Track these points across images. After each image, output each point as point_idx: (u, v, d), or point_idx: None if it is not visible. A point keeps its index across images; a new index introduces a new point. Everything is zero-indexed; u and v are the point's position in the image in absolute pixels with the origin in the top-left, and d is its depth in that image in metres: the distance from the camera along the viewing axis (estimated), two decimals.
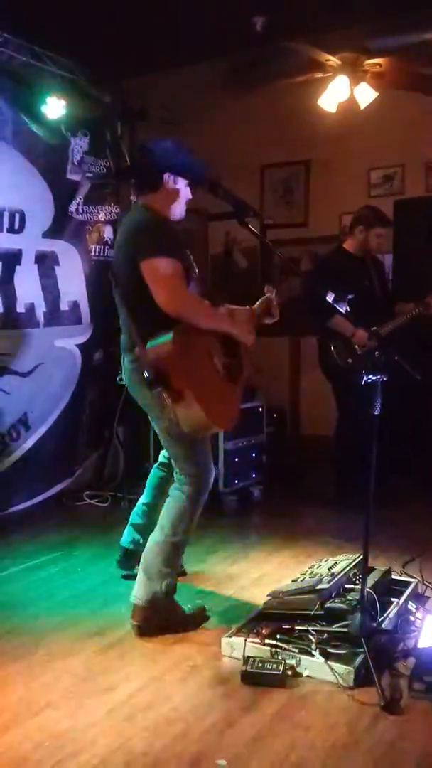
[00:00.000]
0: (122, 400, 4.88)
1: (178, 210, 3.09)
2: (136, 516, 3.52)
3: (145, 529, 3.34)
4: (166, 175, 3.01)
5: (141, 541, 3.39)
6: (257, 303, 3.31)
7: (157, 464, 3.50)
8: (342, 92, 5.07)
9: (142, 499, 3.51)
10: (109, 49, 4.92)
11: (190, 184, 3.09)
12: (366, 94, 5.09)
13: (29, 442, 4.68)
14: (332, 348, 4.74)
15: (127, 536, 3.55)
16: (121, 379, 3.26)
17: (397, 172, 6.07)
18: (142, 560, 3.06)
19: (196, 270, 3.09)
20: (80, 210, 5.00)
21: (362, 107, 5.16)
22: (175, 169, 3.03)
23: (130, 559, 3.52)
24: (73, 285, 4.95)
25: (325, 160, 6.27)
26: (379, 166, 6.10)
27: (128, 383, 3.11)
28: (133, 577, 3.17)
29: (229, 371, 3.03)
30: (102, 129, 5.16)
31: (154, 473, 3.49)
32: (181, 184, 3.06)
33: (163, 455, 3.42)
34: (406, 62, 4.90)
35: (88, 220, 5.05)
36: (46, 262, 4.74)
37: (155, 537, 3.04)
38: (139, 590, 3.01)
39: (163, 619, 2.99)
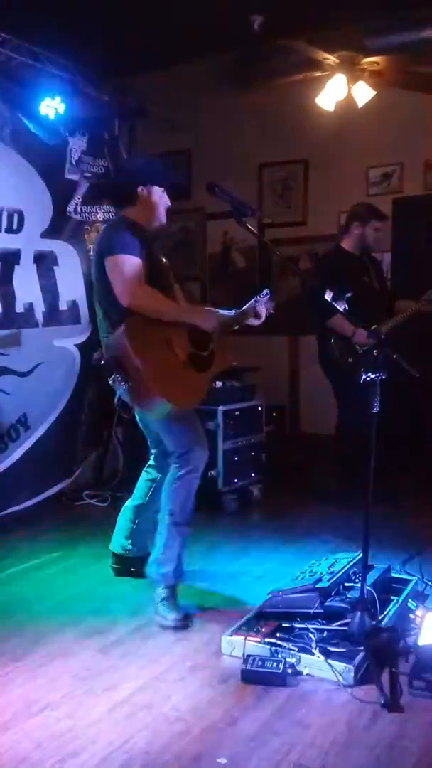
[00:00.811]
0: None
1: (157, 217, 3.29)
2: (121, 519, 3.58)
3: (131, 532, 3.51)
4: (140, 189, 3.24)
5: (130, 544, 3.52)
6: (248, 303, 3.39)
7: (146, 467, 3.56)
8: (340, 91, 5.07)
9: (128, 502, 3.57)
10: (106, 48, 4.92)
11: (166, 190, 3.31)
12: (364, 93, 5.09)
13: (29, 442, 4.67)
14: (332, 346, 4.74)
15: (115, 541, 3.60)
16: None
17: (396, 170, 6.07)
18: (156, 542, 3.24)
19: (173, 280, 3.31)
20: (78, 210, 4.99)
21: (360, 106, 5.17)
22: (147, 181, 3.25)
23: (122, 563, 3.58)
24: (71, 285, 4.94)
25: (324, 158, 6.27)
26: (378, 165, 6.11)
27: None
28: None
29: (193, 361, 3.14)
30: (100, 129, 5.15)
31: (143, 476, 3.55)
32: (156, 194, 3.26)
33: (152, 457, 3.50)
34: (404, 61, 4.91)
35: (86, 220, 5.05)
36: (44, 262, 4.73)
37: (161, 517, 3.22)
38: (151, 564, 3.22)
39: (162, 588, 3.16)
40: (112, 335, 3.06)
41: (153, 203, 3.26)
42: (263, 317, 3.39)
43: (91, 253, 3.76)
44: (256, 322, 3.39)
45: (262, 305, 3.36)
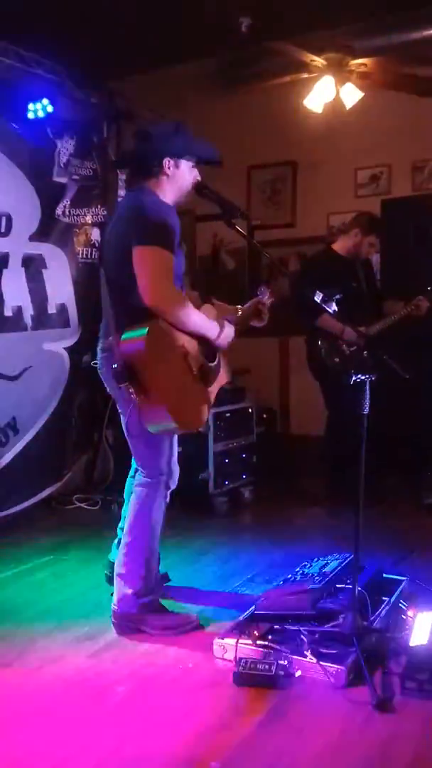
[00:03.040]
0: (111, 403, 4.86)
1: (183, 194, 2.98)
2: (120, 530, 3.41)
3: None
4: (166, 161, 2.90)
5: None
6: (247, 304, 3.26)
7: (130, 473, 3.37)
8: (328, 93, 5.08)
9: (124, 512, 3.38)
10: (94, 51, 4.90)
11: (197, 164, 2.98)
12: (352, 95, 5.10)
13: (18, 446, 4.65)
14: (320, 348, 4.75)
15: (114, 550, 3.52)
16: (95, 363, 3.14)
17: (384, 172, 6.08)
18: (116, 564, 3.06)
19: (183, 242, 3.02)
20: (67, 212, 4.98)
21: (348, 107, 5.18)
22: (175, 153, 2.91)
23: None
24: (60, 288, 4.93)
25: (312, 160, 6.28)
26: (366, 166, 6.12)
27: (99, 370, 3.05)
28: None
29: (203, 373, 2.96)
30: (88, 131, 5.14)
31: (129, 483, 3.36)
32: (185, 167, 2.95)
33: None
34: (392, 62, 4.92)
35: (75, 223, 5.03)
36: (33, 265, 4.72)
37: (125, 541, 3.04)
38: (114, 594, 3.03)
39: (135, 621, 2.98)
40: (128, 338, 2.70)
41: (180, 179, 2.93)
42: (266, 320, 3.26)
43: (99, 248, 3.41)
44: (259, 324, 3.27)
45: (266, 304, 3.25)
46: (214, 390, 3.07)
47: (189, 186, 2.98)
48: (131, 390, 2.65)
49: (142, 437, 2.93)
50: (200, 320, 2.90)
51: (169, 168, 2.91)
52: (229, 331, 3.04)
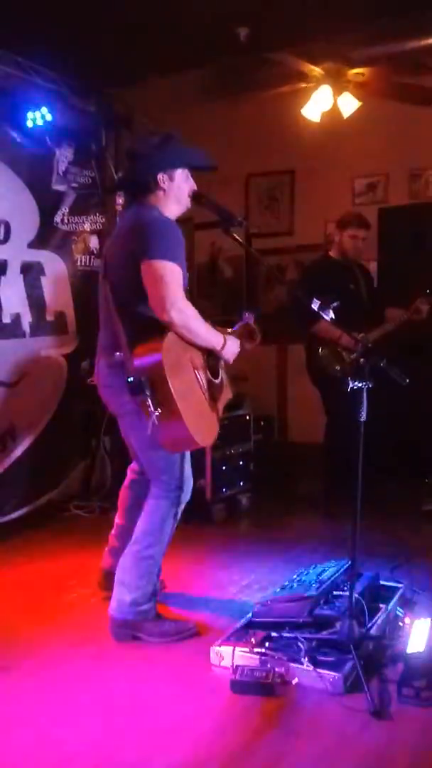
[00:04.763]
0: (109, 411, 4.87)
1: (181, 206, 3.00)
2: (113, 538, 3.42)
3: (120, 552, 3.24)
4: (160, 176, 2.92)
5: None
6: (235, 327, 3.25)
7: (127, 483, 3.37)
8: (325, 102, 5.11)
9: (117, 520, 3.41)
10: (93, 59, 4.93)
11: (193, 171, 2.99)
12: (349, 104, 5.13)
13: (16, 453, 4.65)
14: (320, 355, 4.76)
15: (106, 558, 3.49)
16: (92, 381, 3.13)
17: (381, 180, 6.11)
18: (117, 570, 3.04)
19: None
20: (66, 220, 5.00)
21: (346, 116, 5.20)
22: (167, 166, 2.92)
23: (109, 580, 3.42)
24: (59, 295, 4.94)
25: (310, 169, 6.31)
26: (363, 175, 6.15)
27: (103, 386, 3.01)
28: None
29: (210, 388, 2.97)
30: (87, 139, 5.16)
31: (125, 494, 3.36)
32: (180, 178, 2.96)
33: (133, 471, 3.34)
34: (389, 71, 4.95)
35: (73, 231, 5.05)
36: (31, 273, 4.73)
37: (130, 548, 3.02)
38: (113, 600, 3.01)
39: (133, 628, 2.98)
40: (143, 351, 2.69)
41: (177, 190, 2.94)
42: (258, 340, 3.27)
43: (98, 255, 3.39)
44: (250, 345, 3.27)
45: (253, 326, 3.26)
46: (220, 407, 3.06)
47: (188, 195, 2.99)
48: (148, 403, 2.63)
49: (157, 452, 2.90)
50: (208, 332, 2.90)
51: (164, 182, 2.93)
52: (233, 344, 3.04)
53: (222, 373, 3.09)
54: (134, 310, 2.80)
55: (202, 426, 2.81)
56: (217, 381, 3.04)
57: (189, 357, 2.84)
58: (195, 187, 3.01)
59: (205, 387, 2.92)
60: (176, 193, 2.97)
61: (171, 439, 2.74)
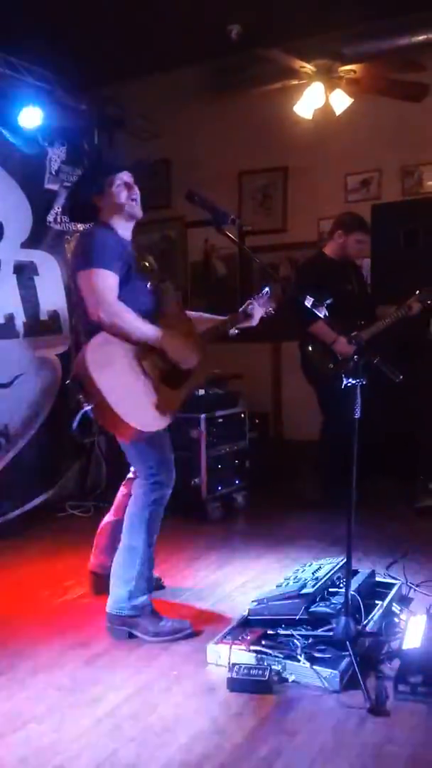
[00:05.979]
0: None
1: (123, 211, 3.08)
2: (100, 537, 3.47)
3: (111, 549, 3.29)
4: (95, 198, 3.10)
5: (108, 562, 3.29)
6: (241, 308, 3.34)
7: (124, 481, 3.46)
8: (317, 99, 5.10)
9: (107, 518, 3.47)
10: (85, 58, 4.92)
11: (123, 177, 3.08)
12: (341, 101, 5.12)
13: (10, 454, 4.65)
14: (313, 353, 4.76)
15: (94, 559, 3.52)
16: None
17: (374, 177, 6.11)
18: (113, 565, 3.10)
19: (156, 281, 3.12)
20: (58, 220, 4.99)
21: (338, 113, 5.20)
22: (97, 189, 3.09)
23: (99, 582, 3.44)
24: (52, 295, 4.94)
25: (302, 166, 6.30)
26: (356, 172, 6.14)
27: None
28: None
29: (165, 376, 3.00)
30: (79, 138, 5.16)
31: (121, 491, 3.45)
32: (108, 188, 3.06)
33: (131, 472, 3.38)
34: (381, 68, 4.95)
35: (66, 230, 5.04)
36: (24, 273, 4.72)
37: (121, 542, 3.09)
38: (109, 596, 3.07)
39: (129, 624, 3.01)
40: (77, 356, 2.93)
41: (113, 198, 3.06)
42: (256, 319, 3.32)
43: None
44: (247, 325, 3.32)
45: (255, 307, 3.31)
46: (186, 390, 3.09)
47: (125, 197, 3.07)
48: (80, 397, 2.83)
49: (125, 442, 3.05)
50: (142, 328, 2.94)
51: (100, 201, 3.09)
52: (172, 338, 3.01)
53: (191, 359, 3.07)
54: (83, 319, 3.00)
55: (142, 413, 2.89)
56: (183, 367, 3.05)
57: (135, 354, 2.93)
58: (131, 183, 3.09)
59: (155, 375, 2.96)
60: (114, 200, 3.07)
61: (115, 429, 2.91)
